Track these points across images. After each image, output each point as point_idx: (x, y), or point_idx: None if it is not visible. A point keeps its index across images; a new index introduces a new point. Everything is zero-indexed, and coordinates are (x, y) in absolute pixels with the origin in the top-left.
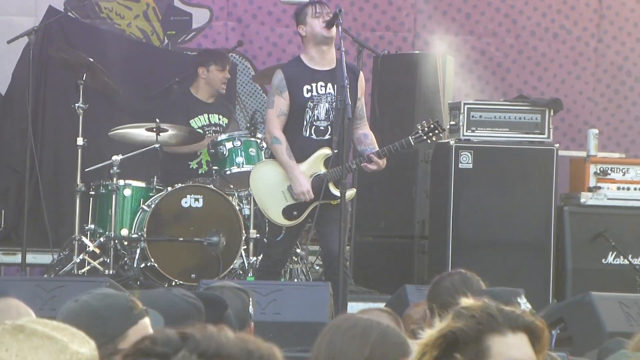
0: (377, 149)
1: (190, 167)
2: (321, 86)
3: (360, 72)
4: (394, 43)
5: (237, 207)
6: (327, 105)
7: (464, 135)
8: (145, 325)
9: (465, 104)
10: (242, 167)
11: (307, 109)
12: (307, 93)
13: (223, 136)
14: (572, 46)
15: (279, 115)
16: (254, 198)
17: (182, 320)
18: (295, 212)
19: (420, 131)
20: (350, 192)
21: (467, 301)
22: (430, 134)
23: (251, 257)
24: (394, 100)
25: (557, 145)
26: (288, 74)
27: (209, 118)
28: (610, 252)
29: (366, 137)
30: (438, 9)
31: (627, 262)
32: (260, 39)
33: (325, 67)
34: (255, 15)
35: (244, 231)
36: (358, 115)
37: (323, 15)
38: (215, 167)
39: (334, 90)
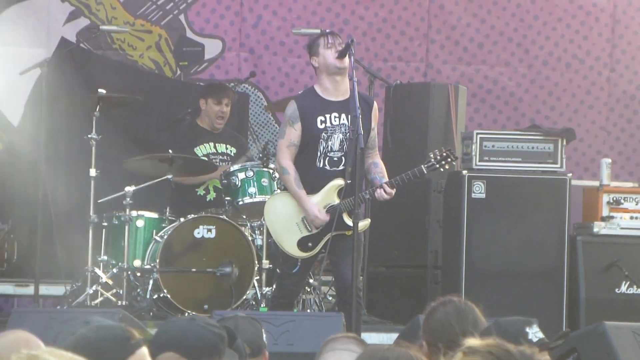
0: (386, 177)
1: (198, 193)
2: (335, 117)
3: (374, 102)
4: (406, 73)
5: (250, 238)
6: (340, 136)
7: (476, 165)
8: (143, 355)
9: (477, 133)
10: (255, 197)
11: (321, 139)
12: (321, 124)
13: (235, 166)
14: (585, 75)
15: (289, 146)
16: (268, 229)
17: (211, 353)
18: (310, 244)
19: (432, 159)
20: (364, 223)
21: (475, 341)
22: (443, 162)
23: (264, 288)
24: (406, 129)
25: (570, 174)
26: (301, 104)
27: (215, 146)
28: (624, 282)
29: (376, 165)
30: (450, 38)
31: None
32: (272, 69)
33: (339, 98)
34: (268, 46)
35: (256, 262)
36: (370, 145)
37: (335, 45)
38: (228, 198)
39: (347, 121)
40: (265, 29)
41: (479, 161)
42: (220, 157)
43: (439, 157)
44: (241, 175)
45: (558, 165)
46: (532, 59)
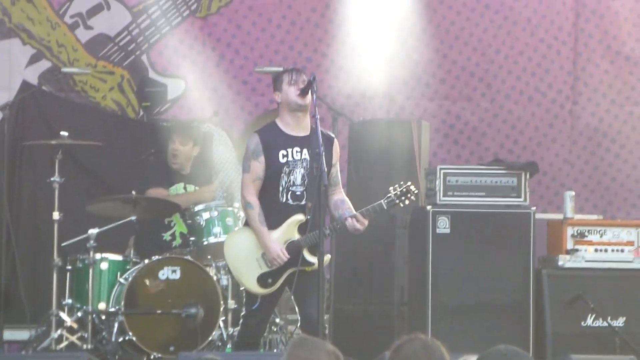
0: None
1: (164, 239)
2: (297, 152)
3: (335, 139)
4: (369, 109)
5: (215, 278)
6: (302, 170)
7: (440, 200)
8: None
9: (441, 168)
10: (219, 237)
11: (283, 174)
12: (283, 158)
13: (200, 206)
14: (548, 108)
15: (255, 180)
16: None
17: None
18: (270, 280)
19: (392, 195)
20: (325, 258)
21: None
22: (403, 198)
23: (230, 328)
24: (370, 166)
25: (534, 208)
26: (264, 138)
27: (185, 188)
28: (590, 314)
29: (343, 202)
30: (413, 74)
31: (607, 324)
32: (236, 108)
33: (300, 133)
34: (231, 85)
35: (222, 302)
36: (333, 182)
37: (298, 83)
38: (193, 238)
39: (308, 156)
40: (228, 67)
41: (443, 196)
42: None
43: (398, 192)
44: (206, 215)
45: (522, 199)
46: (495, 93)
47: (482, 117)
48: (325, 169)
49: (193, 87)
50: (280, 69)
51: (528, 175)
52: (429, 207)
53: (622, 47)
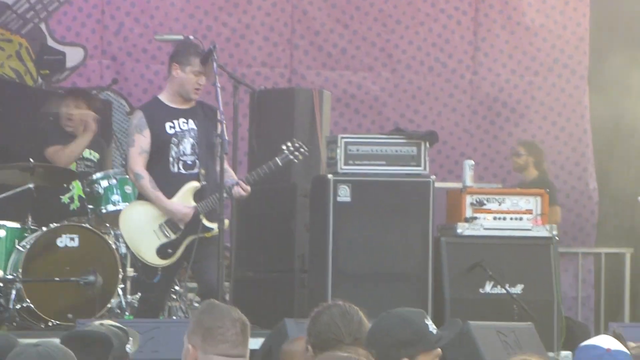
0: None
1: (62, 201)
2: (183, 122)
3: (218, 111)
4: (271, 78)
5: (114, 246)
6: (191, 140)
7: (341, 169)
8: None
9: (342, 137)
10: (118, 205)
11: (172, 144)
12: (171, 129)
13: (99, 174)
14: (448, 78)
15: (141, 153)
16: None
17: None
18: (170, 250)
19: (286, 151)
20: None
21: None
22: (296, 153)
23: (129, 296)
24: (271, 135)
25: (434, 177)
26: (148, 112)
27: None
28: (488, 282)
29: (226, 171)
30: (314, 44)
31: (504, 292)
32: (135, 76)
33: (184, 106)
34: (130, 53)
35: (120, 270)
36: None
37: (201, 78)
38: (91, 206)
39: (195, 126)
40: (128, 36)
41: (344, 165)
42: (85, 162)
43: (292, 149)
44: (104, 183)
45: (422, 168)
46: (395, 63)
47: (384, 87)
48: (227, 138)
49: (92, 55)
50: (180, 37)
51: (428, 145)
52: (329, 176)
53: (522, 17)
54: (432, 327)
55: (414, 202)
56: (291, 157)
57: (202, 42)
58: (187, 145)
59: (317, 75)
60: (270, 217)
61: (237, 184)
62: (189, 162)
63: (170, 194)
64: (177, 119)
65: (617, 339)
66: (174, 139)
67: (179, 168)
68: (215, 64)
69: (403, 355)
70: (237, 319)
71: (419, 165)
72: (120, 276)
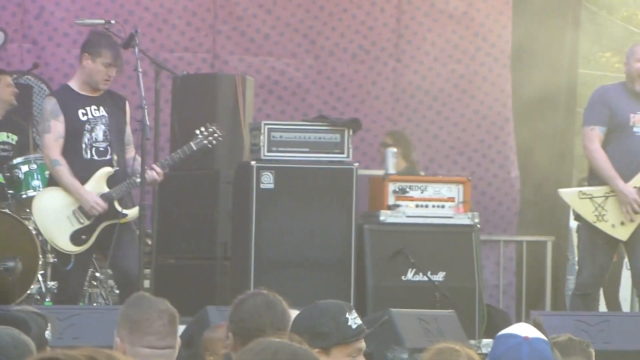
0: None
1: None
2: (94, 109)
3: (126, 100)
4: (193, 64)
5: (34, 232)
6: (103, 127)
7: (265, 156)
8: None
9: (265, 124)
10: (39, 190)
11: (85, 131)
12: (83, 116)
13: (19, 159)
14: (371, 66)
15: (57, 139)
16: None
17: None
18: (84, 236)
19: (200, 135)
20: (133, 211)
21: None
22: (210, 138)
23: (49, 282)
24: (193, 121)
25: (357, 164)
26: (61, 99)
27: None
28: (410, 269)
29: (135, 160)
30: (237, 29)
31: (426, 279)
32: (56, 61)
33: (94, 94)
34: (52, 37)
35: (40, 255)
36: (127, 141)
37: (111, 68)
38: (11, 191)
39: (106, 113)
40: (48, 20)
41: (267, 152)
42: (2, 146)
43: (205, 133)
44: (24, 168)
45: (345, 155)
46: (319, 50)
47: (306, 74)
48: (148, 124)
49: (13, 39)
50: (102, 21)
51: (351, 132)
52: (253, 163)
53: (445, 5)
54: (353, 321)
55: (337, 190)
56: (205, 142)
57: (124, 27)
58: (99, 132)
59: (240, 61)
60: (193, 204)
61: (151, 167)
62: (102, 149)
63: (83, 180)
64: (89, 106)
65: (537, 327)
66: (87, 126)
67: (92, 154)
68: (137, 49)
69: (317, 346)
70: (165, 310)
71: (342, 153)
72: (40, 262)
